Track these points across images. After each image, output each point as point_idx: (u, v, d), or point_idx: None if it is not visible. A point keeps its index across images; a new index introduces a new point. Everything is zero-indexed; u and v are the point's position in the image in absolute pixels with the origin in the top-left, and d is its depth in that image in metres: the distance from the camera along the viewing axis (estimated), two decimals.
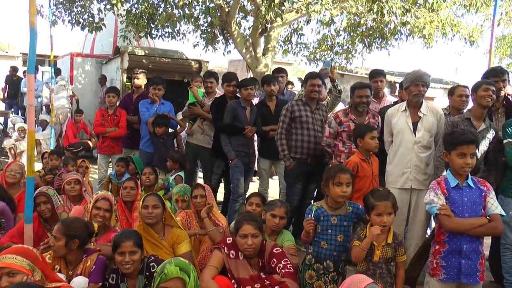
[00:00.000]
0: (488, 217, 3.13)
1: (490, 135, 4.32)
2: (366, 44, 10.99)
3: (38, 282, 2.65)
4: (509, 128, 4.24)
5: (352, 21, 10.36)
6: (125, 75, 10.52)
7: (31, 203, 3.56)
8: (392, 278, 3.27)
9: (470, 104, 4.86)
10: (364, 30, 10.50)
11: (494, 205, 3.14)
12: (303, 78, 6.93)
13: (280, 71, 7.03)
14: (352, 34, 11.05)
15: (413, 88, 4.54)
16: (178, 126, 6.77)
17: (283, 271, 3.37)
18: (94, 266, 3.25)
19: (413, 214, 4.58)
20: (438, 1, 8.52)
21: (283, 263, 3.42)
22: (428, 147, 4.53)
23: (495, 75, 4.73)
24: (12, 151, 9.38)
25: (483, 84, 4.35)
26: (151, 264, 3.22)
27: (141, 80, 7.14)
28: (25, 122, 9.53)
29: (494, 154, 4.40)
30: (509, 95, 5.17)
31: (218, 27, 10.13)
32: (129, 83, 10.14)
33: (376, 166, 4.46)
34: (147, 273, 3.19)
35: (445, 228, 3.14)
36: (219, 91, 7.01)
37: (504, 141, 4.26)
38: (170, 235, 3.91)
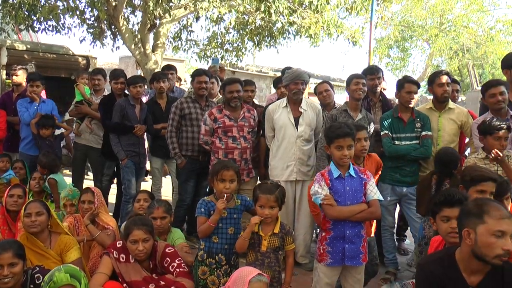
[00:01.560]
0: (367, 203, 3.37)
1: (367, 124, 4.66)
2: (256, 42, 11.22)
3: None
4: (385, 121, 4.66)
5: (241, 20, 10.55)
6: (4, 72, 9.74)
7: None
8: (280, 267, 3.40)
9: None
10: (253, 28, 10.72)
11: (373, 192, 3.38)
12: None
13: (169, 68, 6.98)
14: (241, 32, 11.24)
15: (293, 86, 4.81)
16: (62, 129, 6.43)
17: (177, 270, 3.37)
18: None
19: (298, 205, 4.87)
20: (322, 3, 8.97)
21: (176, 262, 3.42)
22: (309, 140, 4.84)
23: (370, 73, 5.19)
24: None
25: (354, 78, 4.73)
26: (35, 276, 3.01)
27: (20, 77, 6.55)
28: None
29: (372, 144, 4.77)
30: (385, 89, 5.68)
31: (105, 22, 9.76)
32: (9, 81, 9.38)
33: (371, 168, 4.06)
34: (32, 286, 2.97)
35: (328, 217, 3.33)
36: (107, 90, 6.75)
37: (381, 133, 4.66)
38: (57, 243, 3.68)
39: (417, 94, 4.70)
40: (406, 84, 4.63)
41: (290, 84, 4.84)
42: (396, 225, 5.08)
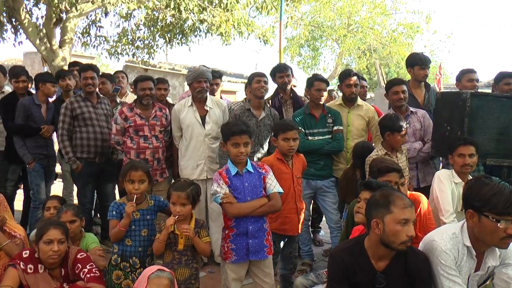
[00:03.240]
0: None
1: (271, 121, 4.79)
2: (167, 39, 11.07)
3: None
4: (297, 118, 4.79)
5: (151, 16, 10.35)
6: None
7: None
8: (198, 263, 3.40)
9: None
10: (163, 25, 10.56)
11: (272, 185, 3.45)
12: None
13: (76, 65, 6.68)
14: (152, 29, 11.04)
15: (196, 85, 4.82)
16: None
17: (88, 275, 3.22)
18: None
19: (209, 203, 4.85)
20: (231, 1, 9.04)
21: (87, 267, 3.26)
22: (217, 138, 4.82)
23: (280, 70, 5.29)
24: None
25: (255, 77, 4.82)
26: None
27: None
28: None
29: None
30: (295, 86, 5.84)
31: (4, 14, 9.10)
32: None
33: (299, 167, 4.08)
34: None
35: (229, 215, 3.36)
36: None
37: None
38: None
39: (326, 91, 4.88)
40: (315, 82, 4.80)
41: (193, 82, 4.82)
42: (310, 218, 5.25)
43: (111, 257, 3.53)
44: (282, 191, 3.52)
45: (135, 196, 3.41)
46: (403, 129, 4.15)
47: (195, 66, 5.26)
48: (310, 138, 4.75)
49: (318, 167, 4.73)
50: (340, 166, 4.86)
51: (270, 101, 5.38)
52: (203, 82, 4.79)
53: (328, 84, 4.97)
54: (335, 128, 4.77)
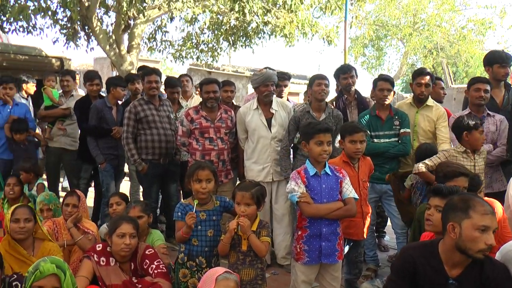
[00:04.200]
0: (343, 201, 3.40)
1: (332, 123, 4.71)
2: (231, 42, 11.20)
3: None
4: (363, 120, 4.70)
5: (216, 20, 10.51)
6: None
7: None
8: (262, 263, 3.40)
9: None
10: (227, 28, 10.70)
11: (348, 190, 3.42)
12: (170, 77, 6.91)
13: (144, 69, 6.91)
14: (216, 32, 11.20)
15: (263, 89, 4.81)
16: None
17: (155, 271, 3.35)
18: None
19: (275, 205, 4.88)
20: (296, 2, 9.00)
21: (155, 263, 3.39)
22: (283, 140, 4.81)
23: (343, 71, 5.21)
24: None
25: (316, 79, 4.74)
26: (13, 283, 2.96)
27: None
28: None
29: None
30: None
31: (78, 23, 9.60)
32: None
33: (365, 170, 4.02)
34: None
35: (305, 215, 3.35)
36: None
37: None
38: (41, 250, 3.61)
39: (392, 92, 4.74)
40: (379, 82, 4.70)
41: (260, 86, 4.82)
42: (375, 222, 5.14)
43: (178, 255, 3.61)
44: (357, 197, 3.49)
45: (195, 204, 3.46)
46: (481, 126, 3.97)
47: (259, 68, 5.29)
48: (375, 140, 4.65)
49: (383, 170, 4.60)
50: (407, 169, 4.70)
51: (334, 102, 5.32)
52: (270, 86, 4.79)
53: (393, 84, 4.82)
54: (402, 130, 4.63)
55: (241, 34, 10.84)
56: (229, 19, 10.14)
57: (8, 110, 6.01)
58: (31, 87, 7.27)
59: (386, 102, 4.66)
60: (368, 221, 4.04)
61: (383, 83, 4.67)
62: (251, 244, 3.26)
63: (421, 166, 4.00)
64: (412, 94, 4.99)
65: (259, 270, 3.35)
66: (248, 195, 3.27)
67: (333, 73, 5.29)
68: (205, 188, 3.46)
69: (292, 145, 4.98)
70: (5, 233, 3.67)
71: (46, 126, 6.33)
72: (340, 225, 3.47)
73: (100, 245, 3.46)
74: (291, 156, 4.98)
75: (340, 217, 3.44)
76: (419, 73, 4.87)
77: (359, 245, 4.06)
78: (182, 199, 5.39)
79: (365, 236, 4.06)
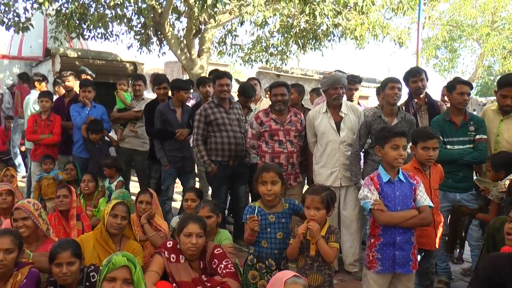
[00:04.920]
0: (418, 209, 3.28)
1: (405, 129, 4.49)
2: (300, 45, 11.19)
3: None
4: (435, 125, 4.47)
5: (285, 23, 10.54)
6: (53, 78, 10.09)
7: None
8: (330, 269, 3.34)
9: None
10: (297, 31, 10.69)
11: (423, 197, 3.30)
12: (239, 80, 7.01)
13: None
14: (285, 35, 11.23)
15: (332, 91, 4.72)
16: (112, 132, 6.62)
17: (224, 271, 3.38)
18: (25, 280, 3.07)
19: (343, 211, 4.78)
20: (367, 4, 8.84)
21: (224, 263, 3.43)
22: (352, 145, 4.72)
23: (413, 75, 4.97)
24: None
25: (389, 82, 4.57)
26: (91, 274, 3.11)
27: (71, 82, 6.88)
28: None
29: None
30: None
31: (151, 28, 9.99)
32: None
33: (436, 177, 3.88)
34: (87, 283, 3.08)
35: (379, 222, 3.26)
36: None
37: None
38: (126, 247, 3.81)
39: (469, 95, 4.51)
40: (458, 85, 4.44)
41: (329, 89, 4.75)
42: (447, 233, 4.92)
43: (247, 257, 3.62)
44: (433, 205, 3.38)
45: (256, 207, 3.46)
46: None
47: (328, 71, 5.23)
48: (448, 147, 4.42)
49: (456, 178, 4.37)
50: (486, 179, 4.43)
51: (403, 107, 5.14)
52: (339, 89, 4.70)
53: (471, 88, 4.58)
54: (477, 136, 4.37)
55: (311, 36, 10.82)
56: (299, 22, 10.14)
57: (87, 111, 6.37)
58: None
59: (464, 106, 4.44)
60: (440, 230, 3.88)
61: (463, 86, 4.42)
62: (319, 249, 3.22)
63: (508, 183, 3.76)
64: (489, 98, 4.70)
65: (327, 276, 3.29)
66: (318, 199, 3.22)
67: (402, 76, 5.10)
68: (270, 190, 3.45)
69: (362, 150, 4.88)
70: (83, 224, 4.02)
71: (118, 128, 6.61)
72: (414, 234, 3.35)
73: (171, 242, 3.55)
74: (361, 161, 4.88)
75: (415, 226, 3.33)
76: (506, 83, 4.36)
77: (430, 255, 3.92)
78: (250, 201, 5.45)
79: (437, 246, 3.91)
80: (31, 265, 3.22)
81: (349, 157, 4.70)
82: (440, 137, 4.24)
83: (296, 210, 3.62)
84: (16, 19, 9.66)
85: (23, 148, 9.43)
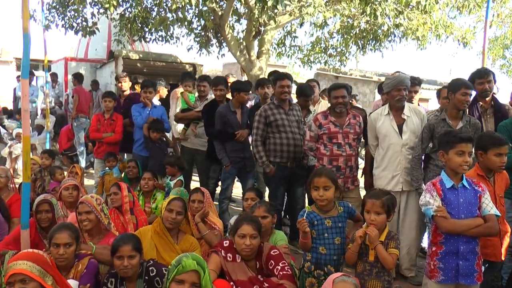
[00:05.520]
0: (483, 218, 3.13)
1: (470, 133, 4.30)
2: (360, 46, 11.03)
3: (50, 287, 2.64)
4: (504, 129, 4.25)
5: (345, 23, 10.40)
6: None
7: (27, 208, 3.53)
8: (389, 276, 3.25)
9: None
10: (357, 32, 10.54)
11: (489, 206, 3.15)
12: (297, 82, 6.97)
13: (274, 74, 7.05)
14: (345, 36, 11.09)
15: (395, 93, 4.60)
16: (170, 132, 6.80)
17: (281, 273, 3.36)
18: (85, 270, 3.25)
19: (403, 216, 4.65)
20: (430, 3, 8.57)
21: (280, 265, 3.40)
22: (414, 148, 4.58)
23: (479, 76, 4.76)
24: (13, 156, 9.36)
25: (462, 88, 4.33)
26: (150, 268, 3.22)
27: (127, 84, 7.31)
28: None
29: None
30: (495, 94, 5.20)
31: (211, 31, 10.15)
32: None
33: (501, 185, 3.71)
34: (146, 277, 3.19)
35: (442, 230, 3.14)
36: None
37: None
38: (183, 241, 3.93)
39: None
40: None
41: (391, 91, 4.63)
42: None
43: (303, 263, 3.55)
44: (499, 214, 3.22)
45: (306, 210, 3.42)
46: None
47: (388, 72, 5.10)
48: None
49: None
50: None
51: (467, 110, 4.92)
52: (402, 90, 4.58)
53: None
54: None
55: (371, 37, 10.63)
56: (359, 23, 9.98)
57: (147, 112, 6.58)
58: (163, 92, 7.93)
59: None
60: (506, 241, 3.68)
61: None
62: (378, 255, 3.15)
63: None
64: None
65: (386, 283, 3.20)
66: (378, 203, 3.15)
67: (468, 77, 4.87)
68: (322, 196, 3.39)
69: (424, 154, 4.71)
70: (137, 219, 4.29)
71: (182, 128, 6.76)
72: (479, 244, 3.20)
73: (227, 241, 3.58)
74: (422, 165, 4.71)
75: (480, 235, 3.17)
76: None
77: (495, 267, 3.74)
78: (307, 203, 5.40)
79: (503, 258, 3.70)
80: (90, 256, 3.39)
81: (410, 161, 4.57)
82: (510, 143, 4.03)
83: (351, 213, 3.56)
84: (84, 24, 10.15)
85: None
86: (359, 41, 10.82)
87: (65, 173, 6.29)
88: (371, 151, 4.91)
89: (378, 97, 10.22)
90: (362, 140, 5.03)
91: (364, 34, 10.54)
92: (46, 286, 2.61)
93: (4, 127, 10.86)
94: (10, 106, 14.27)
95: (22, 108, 3.55)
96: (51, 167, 6.30)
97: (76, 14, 10.09)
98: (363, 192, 4.57)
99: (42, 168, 6.32)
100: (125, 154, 7.32)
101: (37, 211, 3.97)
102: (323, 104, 6.46)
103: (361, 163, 6.71)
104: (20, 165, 9.10)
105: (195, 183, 7.20)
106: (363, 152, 8.25)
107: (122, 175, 6.12)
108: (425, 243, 5.11)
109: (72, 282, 3.11)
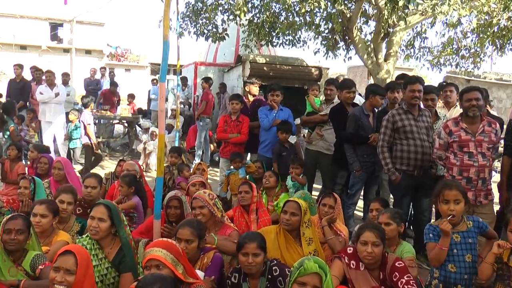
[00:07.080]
0: None
1: None
2: (498, 46, 10.16)
3: (181, 275, 2.84)
4: None
5: (483, 21, 9.66)
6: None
7: (159, 200, 3.84)
8: None
9: None
10: (496, 30, 9.72)
11: None
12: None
13: (403, 78, 6.78)
14: (481, 35, 10.30)
15: None
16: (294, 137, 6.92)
17: (405, 287, 3.23)
18: (210, 263, 3.45)
19: None
20: None
21: (405, 278, 3.28)
22: None
23: None
24: (146, 151, 10.25)
25: None
26: (273, 268, 3.31)
27: (256, 88, 7.72)
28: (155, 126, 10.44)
29: None
30: None
31: (339, 33, 10.08)
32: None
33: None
34: (269, 276, 3.28)
35: None
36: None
37: None
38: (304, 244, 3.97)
39: None
40: None
41: None
42: None
43: (430, 281, 3.40)
44: None
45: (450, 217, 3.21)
46: None
47: None
48: None
49: None
50: None
51: None
52: None
53: None
54: None
55: (511, 36, 9.72)
56: (499, 20, 9.20)
57: (274, 114, 6.76)
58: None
59: None
60: None
61: None
62: None
63: None
64: None
65: None
66: None
67: None
68: (453, 210, 3.23)
69: None
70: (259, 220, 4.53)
71: (307, 131, 6.82)
72: None
73: (351, 248, 3.55)
74: None
75: None
76: None
77: None
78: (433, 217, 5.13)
79: None
80: (215, 249, 3.61)
81: None
82: None
83: (482, 229, 3.31)
84: (214, 30, 10.68)
85: None
86: (497, 41, 9.96)
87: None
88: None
89: None
90: (500, 149, 4.60)
91: (504, 32, 9.66)
92: (177, 273, 2.82)
93: (139, 125, 11.89)
94: (145, 107, 15.53)
95: (159, 108, 3.84)
96: (179, 164, 6.80)
97: (207, 22, 10.66)
98: (496, 208, 4.21)
99: (170, 164, 6.85)
100: (249, 154, 7.63)
101: (167, 206, 4.28)
102: (458, 110, 6.07)
103: (495, 176, 6.21)
104: (152, 160, 10.16)
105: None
106: (497, 164, 7.66)
107: (247, 176, 6.33)
108: None
109: (198, 273, 3.30)
